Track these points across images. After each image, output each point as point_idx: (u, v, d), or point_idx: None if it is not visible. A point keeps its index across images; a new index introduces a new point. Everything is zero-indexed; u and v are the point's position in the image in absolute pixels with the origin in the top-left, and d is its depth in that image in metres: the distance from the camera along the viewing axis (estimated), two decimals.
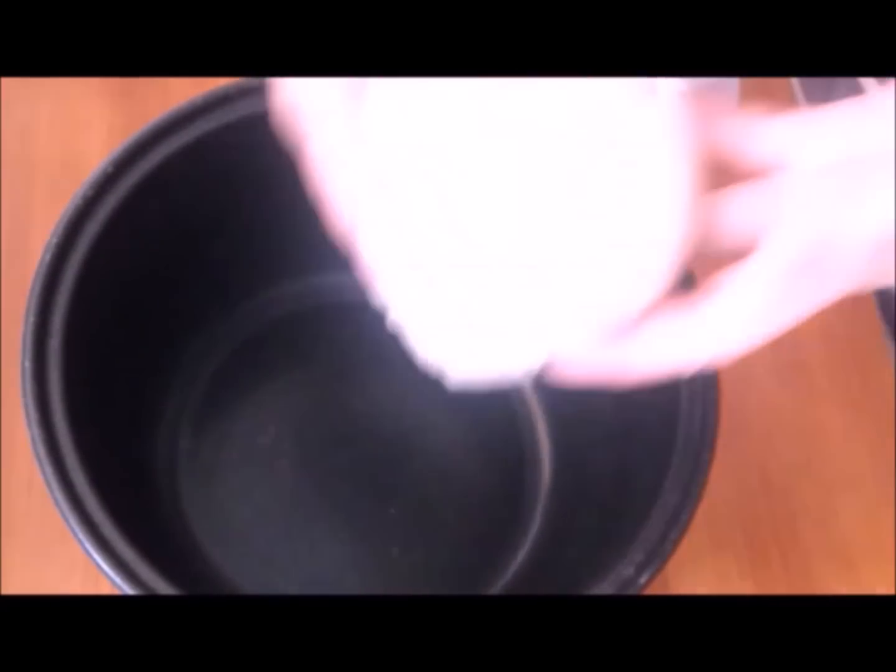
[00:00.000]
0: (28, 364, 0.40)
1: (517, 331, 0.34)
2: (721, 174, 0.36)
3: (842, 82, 0.61)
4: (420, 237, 0.34)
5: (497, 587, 0.48)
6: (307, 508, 0.50)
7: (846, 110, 0.36)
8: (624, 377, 0.34)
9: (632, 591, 0.38)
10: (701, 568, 0.51)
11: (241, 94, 0.43)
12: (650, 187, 0.33)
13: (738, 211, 0.35)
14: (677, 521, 0.40)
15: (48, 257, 0.42)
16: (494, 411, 0.51)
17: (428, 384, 0.38)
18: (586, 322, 0.34)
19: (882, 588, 0.51)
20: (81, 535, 0.37)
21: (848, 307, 0.58)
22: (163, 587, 0.37)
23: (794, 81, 0.65)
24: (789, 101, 0.64)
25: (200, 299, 0.50)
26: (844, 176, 0.35)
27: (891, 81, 0.36)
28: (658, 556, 0.39)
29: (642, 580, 0.39)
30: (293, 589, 0.48)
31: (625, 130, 0.34)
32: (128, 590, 0.37)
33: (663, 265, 0.33)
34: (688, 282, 0.36)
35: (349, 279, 0.51)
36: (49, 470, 0.38)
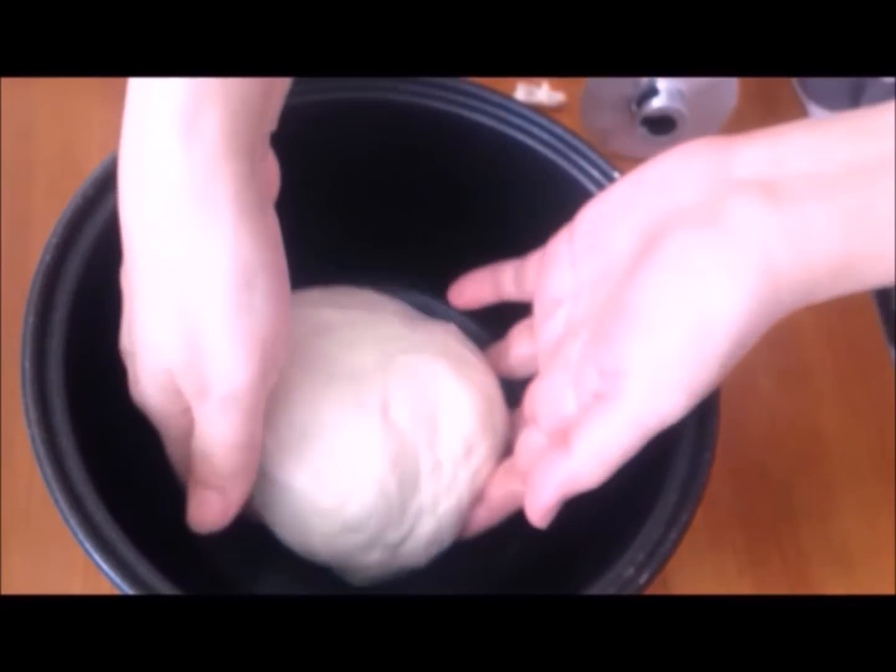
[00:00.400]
0: (28, 364, 0.40)
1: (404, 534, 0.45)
2: None
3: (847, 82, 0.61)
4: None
5: (497, 587, 0.48)
6: None
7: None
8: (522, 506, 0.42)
9: (632, 591, 0.38)
10: (701, 568, 0.51)
11: None
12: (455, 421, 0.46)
13: (519, 347, 0.48)
14: (677, 521, 0.40)
15: (48, 257, 0.42)
16: None
17: None
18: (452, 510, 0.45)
19: (882, 588, 0.51)
20: (81, 535, 0.37)
21: (848, 308, 0.59)
22: (163, 587, 0.37)
23: (795, 81, 0.65)
24: (789, 102, 0.64)
25: None
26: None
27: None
28: (658, 556, 0.39)
29: (642, 580, 0.39)
30: (294, 589, 0.48)
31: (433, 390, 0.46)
32: (128, 590, 0.37)
33: (487, 458, 0.46)
34: None
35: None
36: (49, 470, 0.38)
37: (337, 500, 0.43)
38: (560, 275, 0.44)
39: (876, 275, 0.35)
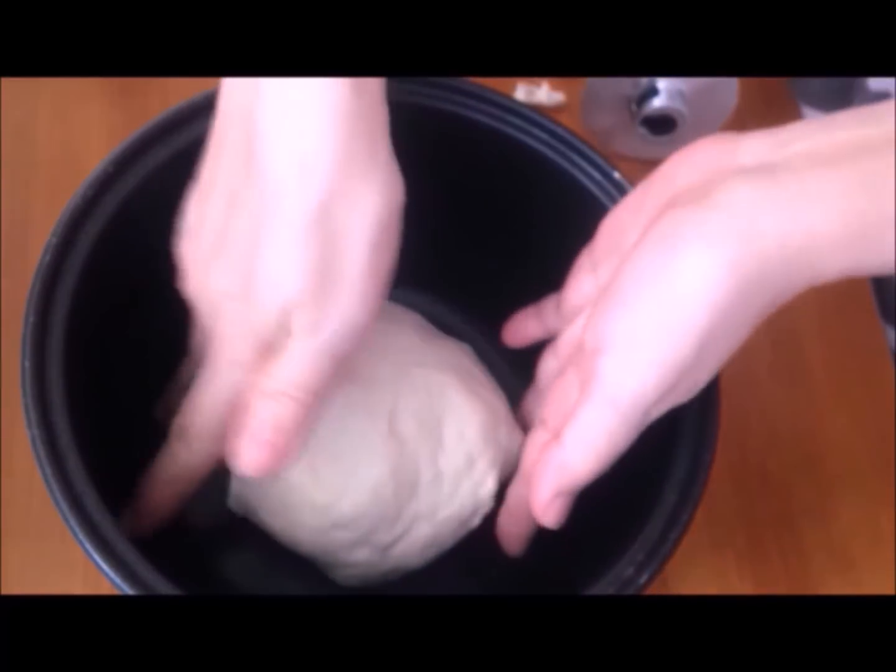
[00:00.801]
0: (28, 364, 0.40)
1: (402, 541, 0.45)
2: None
3: (839, 82, 0.61)
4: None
5: (497, 587, 0.48)
6: None
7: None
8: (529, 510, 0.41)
9: (632, 591, 0.38)
10: (701, 568, 0.51)
11: None
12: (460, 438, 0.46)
13: (547, 365, 0.46)
14: (677, 521, 0.40)
15: (48, 257, 0.42)
16: None
17: None
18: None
19: (882, 588, 0.51)
20: (81, 535, 0.37)
21: (848, 308, 0.59)
22: (163, 587, 0.37)
23: (787, 84, 0.65)
24: (789, 102, 0.64)
25: None
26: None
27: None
28: (658, 556, 0.39)
29: (642, 580, 0.39)
30: (294, 589, 0.48)
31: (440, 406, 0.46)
32: (128, 590, 0.37)
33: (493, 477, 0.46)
34: None
35: None
36: (49, 470, 0.38)
37: (330, 496, 0.44)
38: (582, 283, 0.44)
39: (889, 248, 0.33)
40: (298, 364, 0.39)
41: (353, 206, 0.37)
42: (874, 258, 0.34)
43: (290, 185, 0.38)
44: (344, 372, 0.40)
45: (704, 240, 0.34)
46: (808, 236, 0.33)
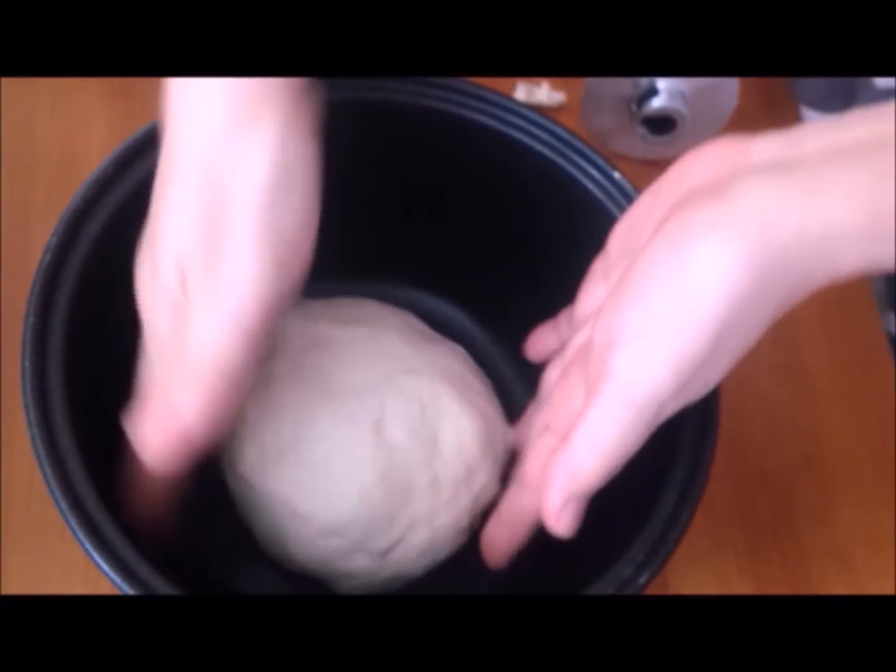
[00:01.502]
0: (28, 364, 0.40)
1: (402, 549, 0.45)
2: None
3: (840, 83, 0.61)
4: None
5: (496, 587, 0.48)
6: None
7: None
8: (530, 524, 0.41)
9: (631, 591, 0.38)
10: (701, 568, 0.51)
11: None
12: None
13: (552, 374, 0.44)
14: (677, 521, 0.40)
15: (48, 257, 0.42)
16: None
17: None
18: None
19: (882, 588, 0.51)
20: (81, 535, 0.37)
21: (849, 307, 0.59)
22: (163, 587, 0.37)
23: (786, 84, 0.65)
24: (789, 102, 0.64)
25: None
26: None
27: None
28: (658, 556, 0.39)
29: (642, 580, 0.39)
30: (293, 589, 0.48)
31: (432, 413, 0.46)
32: (128, 590, 0.37)
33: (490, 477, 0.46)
34: None
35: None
36: (49, 470, 0.38)
37: (314, 506, 0.43)
38: (594, 291, 0.43)
39: None
40: (201, 333, 0.38)
41: (238, 165, 0.38)
42: (889, 251, 0.33)
43: (182, 148, 0.39)
44: (259, 352, 0.38)
45: (720, 231, 0.33)
46: (824, 226, 0.33)
